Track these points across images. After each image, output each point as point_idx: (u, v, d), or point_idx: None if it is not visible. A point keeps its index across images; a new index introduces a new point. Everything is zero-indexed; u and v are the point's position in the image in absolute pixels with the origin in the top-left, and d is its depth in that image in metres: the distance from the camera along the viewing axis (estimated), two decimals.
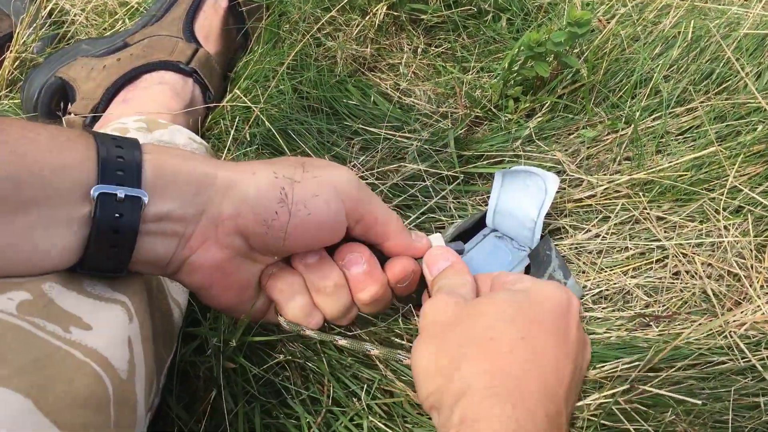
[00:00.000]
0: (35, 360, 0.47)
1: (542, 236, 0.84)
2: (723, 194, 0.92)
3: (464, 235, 0.85)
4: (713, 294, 0.84)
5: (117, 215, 0.53)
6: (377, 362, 0.76)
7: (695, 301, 0.84)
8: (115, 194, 0.52)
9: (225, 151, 0.98)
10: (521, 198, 0.84)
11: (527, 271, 0.81)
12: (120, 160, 0.53)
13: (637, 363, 0.73)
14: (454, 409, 0.54)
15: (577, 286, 0.84)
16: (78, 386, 0.49)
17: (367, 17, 1.13)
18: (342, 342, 0.68)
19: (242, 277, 0.64)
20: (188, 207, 0.57)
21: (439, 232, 0.92)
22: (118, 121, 0.92)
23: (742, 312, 0.79)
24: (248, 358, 0.74)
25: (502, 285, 0.65)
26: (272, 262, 0.65)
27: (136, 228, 0.54)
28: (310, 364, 0.74)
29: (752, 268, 0.85)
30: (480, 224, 0.88)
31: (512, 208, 0.84)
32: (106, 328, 0.53)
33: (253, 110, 0.98)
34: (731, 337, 0.76)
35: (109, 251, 0.55)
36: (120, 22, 1.18)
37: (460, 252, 0.71)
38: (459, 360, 0.57)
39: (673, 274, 0.87)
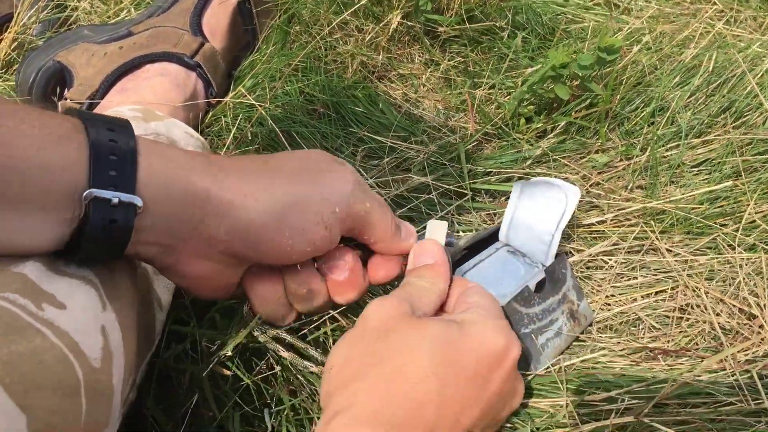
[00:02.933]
0: (3, 332, 0.44)
1: (558, 254, 0.80)
2: (738, 229, 0.89)
3: (476, 247, 0.82)
4: (721, 330, 0.80)
5: (110, 221, 0.50)
6: None
7: (704, 338, 0.80)
8: (109, 200, 0.49)
9: (224, 150, 0.94)
10: (539, 211, 0.80)
11: (541, 285, 0.77)
12: (113, 159, 0.50)
13: (643, 395, 0.69)
14: (331, 419, 0.52)
15: (588, 309, 0.80)
16: (47, 368, 0.45)
17: (381, 24, 1.10)
18: (284, 354, 0.67)
19: (229, 280, 0.62)
20: (176, 222, 0.54)
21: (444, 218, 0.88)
22: (113, 109, 0.88)
23: (754, 351, 0.76)
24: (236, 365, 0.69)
25: (454, 307, 0.63)
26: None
27: (129, 235, 0.52)
28: (300, 378, 0.70)
29: (765, 307, 0.81)
30: (493, 238, 0.84)
31: (529, 222, 0.81)
32: (81, 311, 0.50)
33: (257, 109, 0.94)
34: (738, 375, 0.72)
35: (96, 253, 0.52)
36: (125, 11, 1.15)
37: (450, 245, 0.69)
38: (363, 374, 0.54)
39: (683, 306, 0.83)
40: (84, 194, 0.48)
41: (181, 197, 0.53)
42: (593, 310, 0.83)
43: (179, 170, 0.53)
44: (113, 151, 0.50)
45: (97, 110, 0.94)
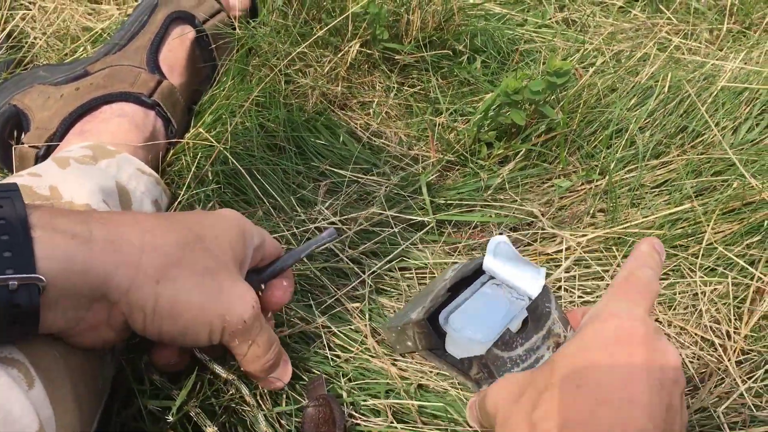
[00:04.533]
0: None
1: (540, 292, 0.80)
2: (699, 253, 0.90)
3: (464, 282, 0.81)
4: (686, 360, 0.81)
5: (12, 306, 0.48)
6: None
7: None
8: (7, 285, 0.47)
9: (185, 188, 0.93)
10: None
11: (525, 323, 0.77)
12: (5, 239, 0.48)
13: None
14: None
15: None
16: None
17: (340, 54, 1.10)
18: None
19: (121, 338, 0.61)
20: (80, 297, 0.53)
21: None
22: (65, 149, 0.87)
23: (716, 386, 0.77)
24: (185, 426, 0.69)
25: None
26: None
27: (37, 316, 0.50)
28: None
29: (726, 334, 0.82)
30: (477, 274, 0.83)
31: (512, 261, 0.81)
32: (5, 400, 0.48)
33: (217, 147, 0.94)
34: (697, 416, 0.73)
35: (6, 336, 0.51)
36: (81, 49, 1.14)
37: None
38: None
39: None
40: None
41: (82, 274, 0.52)
42: None
43: (78, 246, 0.52)
44: (3, 230, 0.48)
45: (54, 154, 0.93)
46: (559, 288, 0.90)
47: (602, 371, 0.51)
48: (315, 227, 0.91)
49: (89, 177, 0.79)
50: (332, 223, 0.92)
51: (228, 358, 0.68)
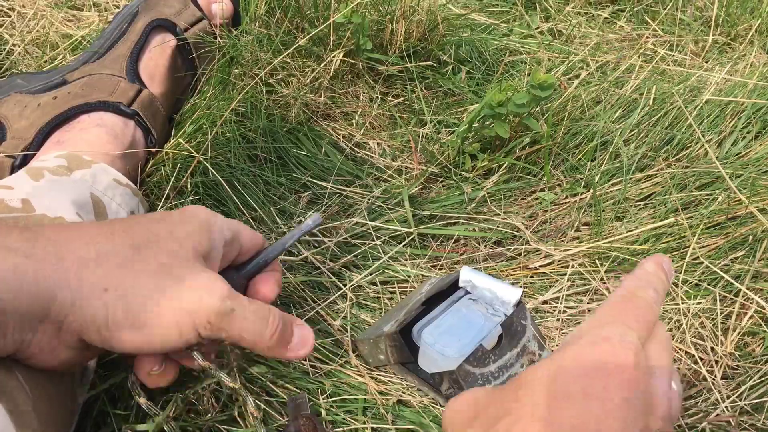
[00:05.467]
0: None
1: (518, 303, 0.78)
2: (683, 268, 0.89)
3: (440, 296, 0.80)
4: None
5: None
6: None
7: None
8: None
9: (163, 200, 0.92)
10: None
11: (501, 339, 0.75)
12: None
13: None
14: None
15: None
16: None
17: (323, 64, 1.09)
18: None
19: (87, 359, 0.59)
20: (28, 316, 0.51)
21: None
22: (39, 159, 0.85)
23: (702, 400, 0.76)
24: None
25: None
26: None
27: None
28: None
29: (710, 350, 0.82)
30: (453, 288, 0.82)
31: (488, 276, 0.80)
32: None
33: (197, 158, 0.92)
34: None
35: None
36: (61, 56, 1.12)
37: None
38: None
39: None
40: None
41: (29, 292, 0.50)
42: None
43: (25, 262, 0.51)
44: None
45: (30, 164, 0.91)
46: (543, 302, 0.89)
47: (577, 404, 0.45)
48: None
49: (62, 189, 0.77)
50: (312, 234, 0.91)
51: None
